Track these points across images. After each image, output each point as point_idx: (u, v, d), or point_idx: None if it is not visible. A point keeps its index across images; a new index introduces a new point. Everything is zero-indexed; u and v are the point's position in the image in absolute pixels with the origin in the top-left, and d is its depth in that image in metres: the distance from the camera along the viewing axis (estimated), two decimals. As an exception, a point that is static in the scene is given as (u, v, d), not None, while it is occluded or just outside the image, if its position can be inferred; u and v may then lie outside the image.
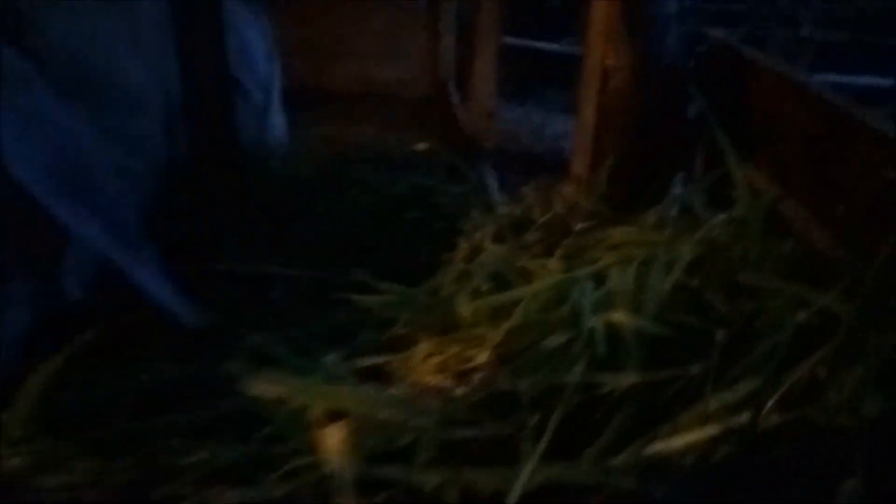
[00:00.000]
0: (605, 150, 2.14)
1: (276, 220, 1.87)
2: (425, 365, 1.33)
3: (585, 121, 2.22)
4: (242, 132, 2.05)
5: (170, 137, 1.79)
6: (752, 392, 1.12)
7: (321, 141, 2.73)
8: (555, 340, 1.24)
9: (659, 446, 1.07)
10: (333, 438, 0.88)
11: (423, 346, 1.28)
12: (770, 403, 1.11)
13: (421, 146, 2.09)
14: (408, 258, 1.79)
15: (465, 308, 1.38)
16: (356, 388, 1.13)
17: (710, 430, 1.07)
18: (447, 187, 2.14)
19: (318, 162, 2.21)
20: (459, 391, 1.25)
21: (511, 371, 1.22)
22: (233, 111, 1.89)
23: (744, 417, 1.09)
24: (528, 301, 1.33)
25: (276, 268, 1.70)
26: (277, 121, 2.25)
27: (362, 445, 1.02)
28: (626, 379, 1.09)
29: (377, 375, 1.31)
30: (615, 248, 1.59)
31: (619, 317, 1.19)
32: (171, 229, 1.75)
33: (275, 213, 1.88)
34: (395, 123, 3.25)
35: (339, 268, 1.67)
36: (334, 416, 1.10)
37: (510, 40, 3.69)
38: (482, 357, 1.31)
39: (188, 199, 1.81)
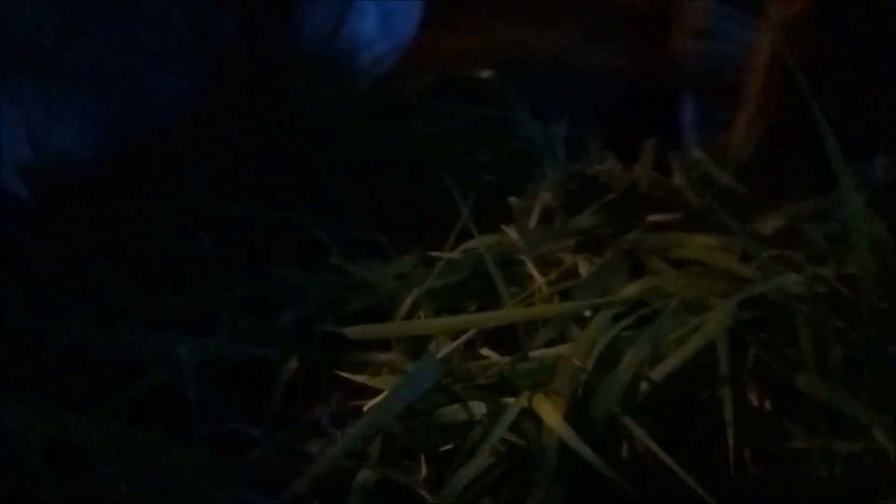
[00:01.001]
0: (770, 103, 1.55)
1: (296, 149, 1.51)
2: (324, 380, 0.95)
3: (759, 57, 1.60)
4: (310, 27, 1.68)
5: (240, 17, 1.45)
6: None
7: (477, 51, 2.26)
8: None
9: None
10: None
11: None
12: None
13: (486, 73, 1.57)
14: (438, 218, 1.36)
15: (395, 324, 0.96)
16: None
17: None
18: (537, 124, 1.64)
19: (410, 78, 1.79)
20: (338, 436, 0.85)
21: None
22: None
23: None
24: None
25: (264, 210, 1.36)
26: (373, 17, 1.84)
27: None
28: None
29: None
30: (679, 267, 1.06)
31: (549, 417, 0.71)
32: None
33: (298, 139, 1.52)
34: (601, 31, 2.65)
35: (343, 219, 1.30)
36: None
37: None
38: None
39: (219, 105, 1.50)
